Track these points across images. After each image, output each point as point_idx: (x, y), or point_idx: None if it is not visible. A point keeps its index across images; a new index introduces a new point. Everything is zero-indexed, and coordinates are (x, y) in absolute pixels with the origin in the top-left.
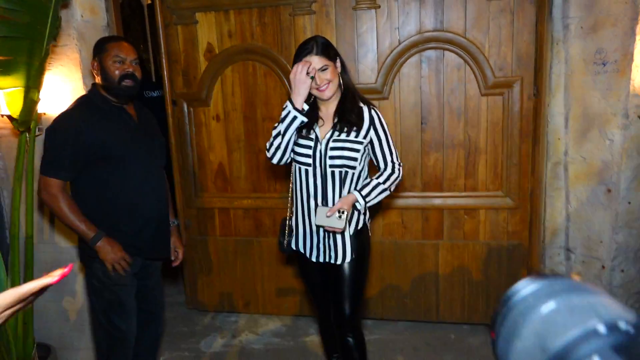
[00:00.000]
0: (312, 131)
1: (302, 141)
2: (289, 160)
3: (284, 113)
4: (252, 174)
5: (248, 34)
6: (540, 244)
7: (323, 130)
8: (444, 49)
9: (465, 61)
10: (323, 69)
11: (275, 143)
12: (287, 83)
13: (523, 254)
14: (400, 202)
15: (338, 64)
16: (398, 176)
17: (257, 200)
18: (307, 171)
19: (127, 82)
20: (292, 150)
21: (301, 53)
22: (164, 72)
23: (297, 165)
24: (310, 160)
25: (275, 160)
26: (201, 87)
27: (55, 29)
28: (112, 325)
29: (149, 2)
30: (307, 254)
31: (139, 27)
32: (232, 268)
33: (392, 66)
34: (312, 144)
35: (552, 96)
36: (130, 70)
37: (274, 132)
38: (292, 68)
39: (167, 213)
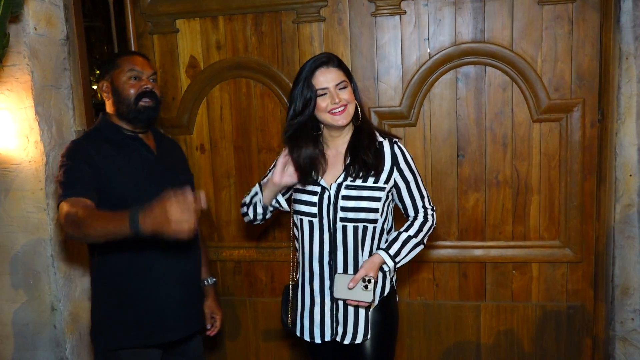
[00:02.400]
0: (315, 183)
1: (304, 186)
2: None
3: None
4: None
5: (241, 46)
6: (609, 306)
7: (331, 174)
8: (486, 64)
9: (513, 79)
10: (341, 87)
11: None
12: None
13: (587, 319)
14: (432, 253)
15: (353, 88)
16: (432, 224)
17: (251, 250)
18: (311, 223)
19: (145, 102)
20: (292, 199)
21: (312, 64)
22: None
23: (299, 217)
24: (315, 210)
25: (247, 219)
26: (182, 110)
27: (1, 49)
28: None
29: None
30: (308, 335)
31: (102, 26)
32: (218, 338)
33: (420, 85)
34: (317, 189)
35: (622, 123)
36: (149, 87)
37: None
38: (295, 89)
39: (197, 275)
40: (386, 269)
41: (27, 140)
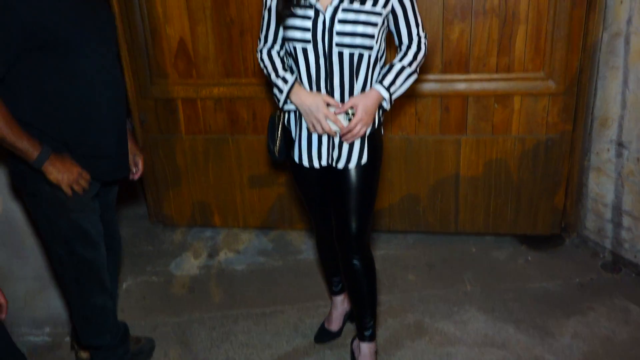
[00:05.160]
0: (308, 6)
1: (296, 9)
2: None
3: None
4: (224, 52)
5: None
6: (587, 138)
7: None
8: None
9: None
10: None
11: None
12: None
13: (564, 150)
14: (415, 87)
15: None
16: (425, 53)
17: (232, 87)
18: (305, 50)
19: None
20: (283, 26)
21: None
22: None
23: (291, 44)
24: (309, 36)
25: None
26: None
27: None
28: (76, 257)
29: None
30: (306, 162)
31: None
32: (204, 173)
33: None
34: (311, 13)
35: None
36: None
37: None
38: None
39: (126, 116)
40: (385, 105)
41: None
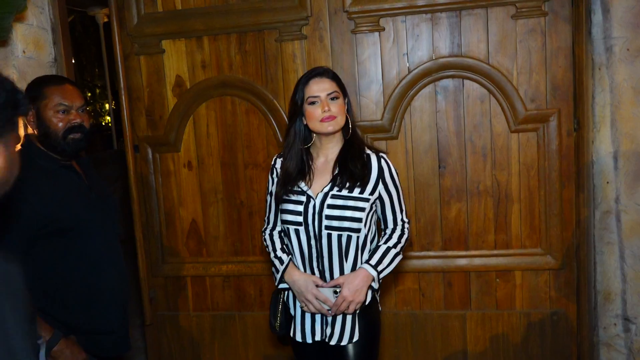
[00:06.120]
0: (301, 192)
1: (290, 195)
2: None
3: (274, 270)
4: (233, 233)
5: (226, 65)
6: (592, 312)
7: (318, 183)
8: (464, 77)
9: (490, 92)
10: (333, 97)
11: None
12: (273, 121)
13: (570, 325)
14: (417, 263)
15: (346, 103)
16: (408, 236)
17: (240, 265)
18: (297, 232)
19: (74, 136)
20: (279, 208)
21: (308, 74)
22: (124, 111)
23: (286, 225)
24: (300, 219)
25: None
26: (169, 128)
27: None
28: None
29: (106, 20)
30: (299, 336)
31: (93, 48)
32: (210, 351)
33: (401, 99)
34: (303, 199)
35: (597, 131)
36: (78, 120)
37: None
38: (292, 97)
39: (129, 293)
40: (375, 286)
41: None
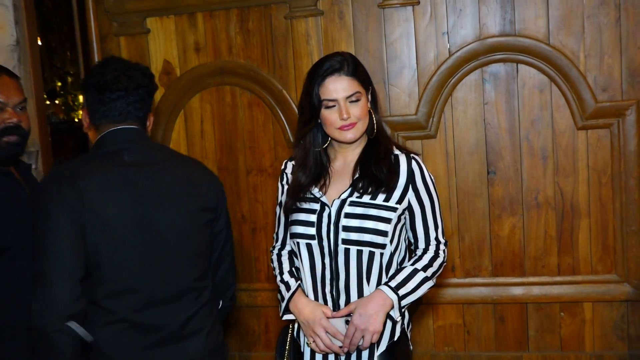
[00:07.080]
0: (314, 199)
1: (301, 203)
2: None
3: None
4: (235, 252)
5: (224, 47)
6: None
7: (335, 189)
8: (518, 62)
9: (551, 79)
10: (353, 100)
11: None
12: (282, 116)
13: None
14: (460, 292)
15: (369, 96)
16: (443, 262)
17: (241, 294)
18: (309, 247)
19: (9, 139)
20: (289, 221)
21: (321, 70)
22: None
23: (295, 240)
24: (313, 231)
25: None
26: (155, 125)
27: None
28: None
29: None
30: None
31: (64, 28)
32: None
33: (440, 89)
34: (316, 207)
35: None
36: (14, 120)
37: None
38: (302, 95)
39: None
40: (393, 314)
41: None
